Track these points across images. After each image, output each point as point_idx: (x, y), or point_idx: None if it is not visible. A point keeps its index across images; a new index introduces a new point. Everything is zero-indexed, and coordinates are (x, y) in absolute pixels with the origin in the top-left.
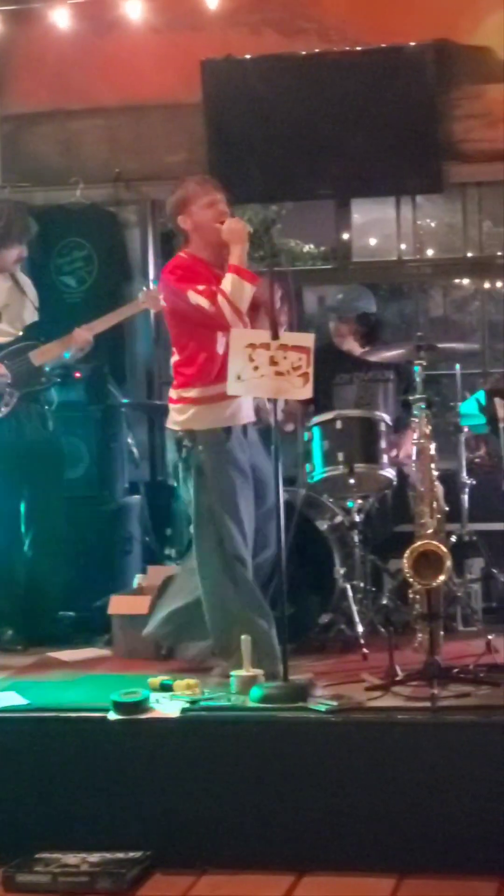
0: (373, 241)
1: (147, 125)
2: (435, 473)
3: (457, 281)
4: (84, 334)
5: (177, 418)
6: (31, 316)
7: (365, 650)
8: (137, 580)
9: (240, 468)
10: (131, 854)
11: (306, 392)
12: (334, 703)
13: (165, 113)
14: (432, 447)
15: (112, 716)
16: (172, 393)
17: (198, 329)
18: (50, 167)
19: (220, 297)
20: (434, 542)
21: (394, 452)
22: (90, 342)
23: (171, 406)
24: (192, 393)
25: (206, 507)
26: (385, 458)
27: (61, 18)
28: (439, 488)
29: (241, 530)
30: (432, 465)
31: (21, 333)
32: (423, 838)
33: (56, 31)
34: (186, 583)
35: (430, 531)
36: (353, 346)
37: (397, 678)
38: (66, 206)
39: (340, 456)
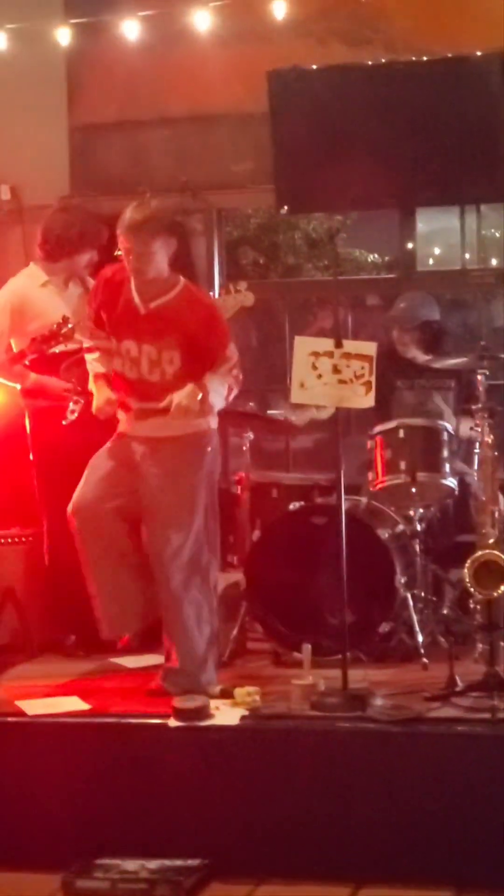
0: (437, 251)
1: (214, 135)
2: (497, 483)
3: None
4: None
5: None
6: None
7: (425, 660)
8: None
9: None
10: (189, 862)
11: (368, 401)
12: (393, 713)
13: (232, 123)
14: (495, 457)
15: (172, 722)
16: None
17: None
18: (118, 177)
19: None
20: (495, 553)
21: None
22: None
23: None
24: None
25: None
26: (447, 468)
27: (130, 31)
28: (502, 498)
29: None
30: (494, 475)
31: None
32: (483, 850)
33: (125, 43)
34: None
35: (491, 541)
36: (416, 354)
37: (457, 689)
38: None
39: (402, 465)
